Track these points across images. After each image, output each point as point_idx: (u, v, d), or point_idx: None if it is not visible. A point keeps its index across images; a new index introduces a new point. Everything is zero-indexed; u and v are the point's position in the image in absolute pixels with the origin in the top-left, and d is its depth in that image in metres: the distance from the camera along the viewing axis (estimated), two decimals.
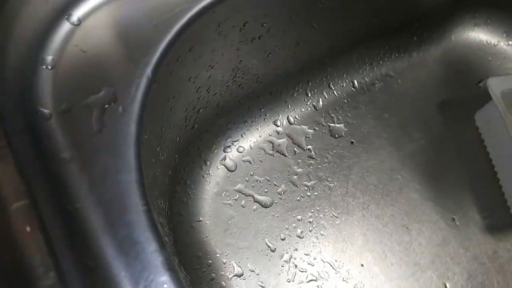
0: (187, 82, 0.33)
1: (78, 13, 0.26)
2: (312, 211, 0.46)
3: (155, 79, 0.26)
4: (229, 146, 0.48)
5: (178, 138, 0.37)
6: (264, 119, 0.50)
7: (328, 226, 0.46)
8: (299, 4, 0.36)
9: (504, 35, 0.57)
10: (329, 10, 0.42)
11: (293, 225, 0.46)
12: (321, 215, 0.46)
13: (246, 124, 0.49)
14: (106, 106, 0.25)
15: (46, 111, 0.24)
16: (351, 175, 0.48)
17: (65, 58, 0.25)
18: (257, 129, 0.49)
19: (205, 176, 0.46)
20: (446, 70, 0.57)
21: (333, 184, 0.48)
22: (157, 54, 0.26)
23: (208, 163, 0.47)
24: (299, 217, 0.46)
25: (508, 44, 0.57)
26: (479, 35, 0.58)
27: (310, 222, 0.46)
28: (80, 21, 0.26)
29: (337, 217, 0.46)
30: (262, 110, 0.49)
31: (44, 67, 0.25)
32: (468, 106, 0.53)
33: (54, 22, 0.26)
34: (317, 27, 0.43)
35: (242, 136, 0.49)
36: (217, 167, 0.47)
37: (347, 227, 0.46)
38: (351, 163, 0.49)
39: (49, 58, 0.25)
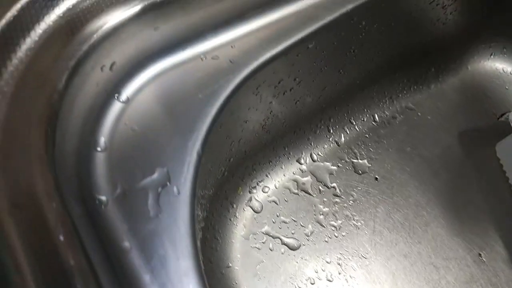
0: (225, 141, 0.33)
1: (127, 91, 0.26)
2: (341, 252, 0.46)
3: (203, 152, 0.25)
4: (254, 187, 0.48)
5: (211, 190, 0.37)
6: (288, 158, 0.49)
7: (357, 268, 0.46)
8: (330, 55, 0.36)
9: None
10: (355, 55, 0.42)
11: (322, 268, 0.45)
12: (349, 257, 0.46)
13: (270, 163, 0.48)
14: (161, 189, 0.24)
15: (102, 197, 0.23)
16: (377, 213, 0.48)
17: (117, 139, 0.25)
18: (281, 168, 0.49)
19: (232, 219, 0.46)
20: (464, 100, 0.57)
21: (360, 223, 0.48)
22: (205, 128, 0.25)
23: (234, 206, 0.46)
24: (327, 259, 0.46)
25: None
26: (495, 64, 0.58)
27: (339, 264, 0.46)
28: (129, 99, 0.26)
29: (365, 258, 0.46)
30: (286, 149, 0.49)
31: (97, 150, 0.24)
32: (488, 135, 0.53)
33: (105, 102, 0.25)
34: (343, 72, 0.43)
35: (267, 176, 0.48)
36: (243, 209, 0.47)
37: (375, 267, 0.46)
38: (377, 200, 0.49)
39: (102, 140, 0.24)
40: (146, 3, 0.25)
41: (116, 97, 0.26)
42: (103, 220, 0.22)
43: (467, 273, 0.46)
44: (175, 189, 0.24)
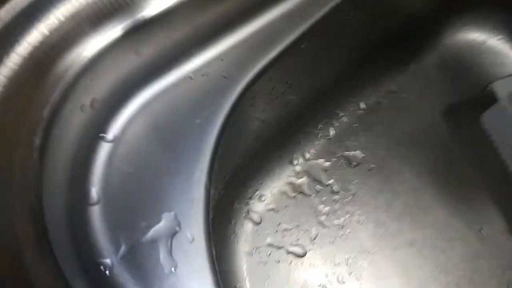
0: (224, 162, 0.30)
1: (113, 129, 0.22)
2: (348, 251, 0.45)
3: (210, 185, 0.22)
4: (250, 198, 0.45)
5: (211, 214, 0.34)
6: (280, 161, 0.47)
7: (365, 265, 0.44)
8: (319, 52, 0.34)
9: (492, 32, 0.58)
10: (341, 47, 0.40)
11: (332, 270, 0.44)
12: (357, 255, 0.45)
13: (263, 170, 0.46)
14: (171, 237, 0.21)
15: (106, 261, 0.19)
16: (377, 204, 0.47)
17: (110, 186, 0.21)
18: (275, 173, 0.47)
19: (232, 236, 0.43)
20: (444, 74, 0.56)
21: (362, 217, 0.46)
22: (209, 156, 0.22)
23: (233, 222, 0.44)
24: (336, 260, 0.44)
25: (498, 39, 0.58)
26: (468, 34, 0.58)
27: (347, 264, 0.44)
28: (117, 138, 0.22)
29: (373, 253, 0.45)
30: (277, 152, 0.47)
31: (90, 203, 0.20)
32: (472, 108, 0.53)
33: (90, 147, 0.21)
34: (329, 66, 0.41)
35: (261, 184, 0.46)
36: (242, 223, 0.44)
37: (384, 261, 0.45)
38: (375, 191, 0.48)
39: (93, 190, 0.21)
40: (124, 25, 0.21)
41: (102, 138, 0.22)
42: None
43: (471, 251, 0.46)
44: (187, 234, 0.21)
